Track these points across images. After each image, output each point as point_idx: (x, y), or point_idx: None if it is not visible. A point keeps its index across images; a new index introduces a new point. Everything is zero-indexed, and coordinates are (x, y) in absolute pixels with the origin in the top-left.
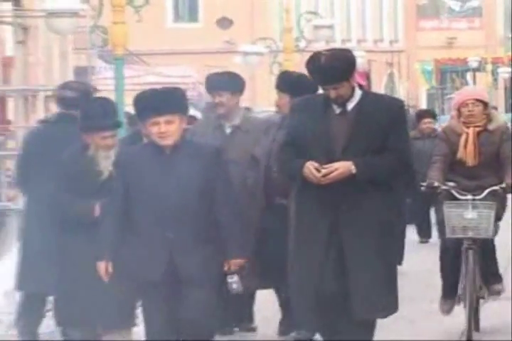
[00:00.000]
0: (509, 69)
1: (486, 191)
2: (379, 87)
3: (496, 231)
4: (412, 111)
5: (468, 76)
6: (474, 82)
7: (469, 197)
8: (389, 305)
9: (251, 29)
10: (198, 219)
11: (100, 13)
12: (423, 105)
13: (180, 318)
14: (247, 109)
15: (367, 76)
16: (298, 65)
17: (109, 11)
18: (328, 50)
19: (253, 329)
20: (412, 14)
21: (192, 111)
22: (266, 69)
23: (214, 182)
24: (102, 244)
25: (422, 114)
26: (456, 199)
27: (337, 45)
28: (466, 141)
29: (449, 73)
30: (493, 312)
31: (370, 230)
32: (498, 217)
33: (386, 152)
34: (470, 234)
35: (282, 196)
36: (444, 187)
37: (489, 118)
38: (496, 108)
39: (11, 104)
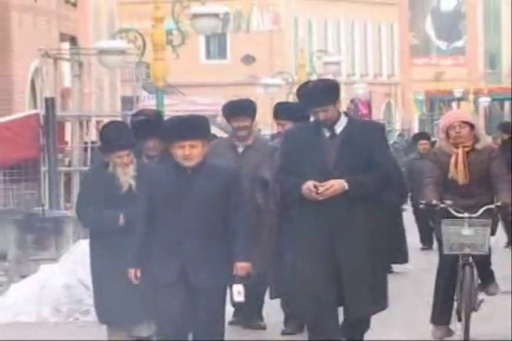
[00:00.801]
0: (488, 99)
1: (482, 209)
2: (378, 114)
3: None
4: (406, 134)
5: (454, 105)
6: None
7: (466, 214)
8: (378, 303)
9: (271, 65)
10: (212, 233)
11: (144, 51)
12: (415, 129)
13: (194, 324)
14: (258, 130)
15: (368, 104)
16: None
17: (151, 50)
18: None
19: (263, 327)
20: (406, 52)
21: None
22: (283, 99)
23: (229, 199)
24: (131, 253)
25: (418, 137)
26: (453, 217)
27: (343, 78)
28: (456, 160)
29: (438, 102)
30: (493, 311)
31: (362, 239)
32: (492, 232)
33: (373, 168)
34: (467, 251)
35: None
36: (442, 206)
37: (477, 139)
38: None
39: (68, 127)
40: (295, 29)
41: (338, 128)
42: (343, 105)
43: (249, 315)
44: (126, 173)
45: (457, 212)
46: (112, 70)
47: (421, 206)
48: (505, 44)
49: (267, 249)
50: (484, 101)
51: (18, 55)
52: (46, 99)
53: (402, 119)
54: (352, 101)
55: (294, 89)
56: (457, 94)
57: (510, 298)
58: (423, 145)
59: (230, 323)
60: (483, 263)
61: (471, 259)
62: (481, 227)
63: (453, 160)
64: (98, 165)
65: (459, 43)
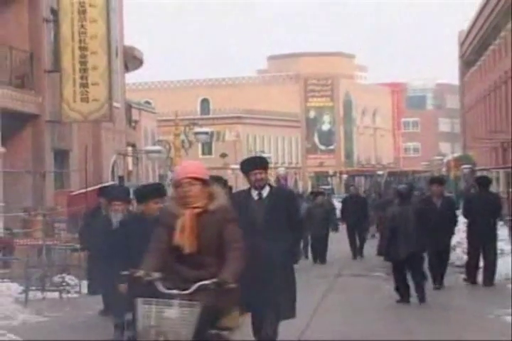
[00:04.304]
0: (346, 176)
1: (194, 286)
2: (290, 184)
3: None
4: (304, 194)
5: (329, 179)
6: (332, 183)
7: (174, 291)
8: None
9: (234, 159)
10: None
11: (170, 151)
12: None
13: None
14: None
15: (285, 178)
16: None
17: (174, 150)
18: None
19: None
20: (304, 151)
21: None
22: (243, 177)
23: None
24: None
25: (314, 194)
26: (160, 293)
27: (272, 165)
28: (184, 224)
29: (321, 177)
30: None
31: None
32: (229, 312)
33: (292, 224)
34: (162, 339)
35: None
36: (148, 278)
37: (212, 198)
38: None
39: (131, 191)
40: (247, 140)
41: (264, 192)
42: (272, 179)
43: None
44: (116, 217)
45: (166, 287)
46: (154, 161)
47: (123, 278)
48: (355, 148)
49: None
50: (344, 176)
51: (105, 154)
52: (119, 177)
53: (303, 187)
54: (277, 177)
55: None
56: (331, 173)
57: None
58: (314, 199)
59: None
60: None
61: None
62: (188, 309)
63: (179, 223)
64: (93, 208)
65: (332, 147)
